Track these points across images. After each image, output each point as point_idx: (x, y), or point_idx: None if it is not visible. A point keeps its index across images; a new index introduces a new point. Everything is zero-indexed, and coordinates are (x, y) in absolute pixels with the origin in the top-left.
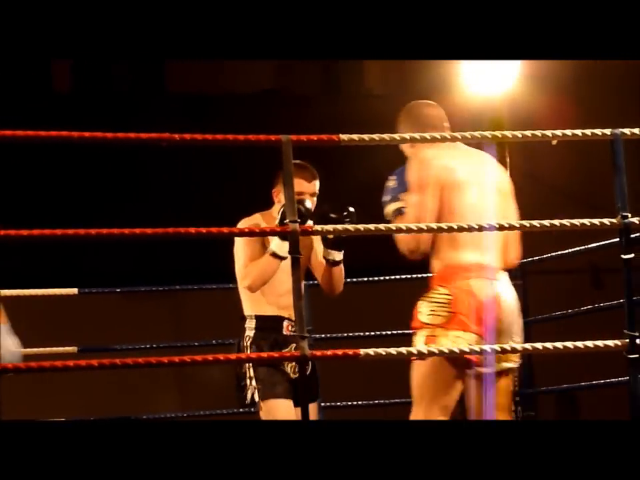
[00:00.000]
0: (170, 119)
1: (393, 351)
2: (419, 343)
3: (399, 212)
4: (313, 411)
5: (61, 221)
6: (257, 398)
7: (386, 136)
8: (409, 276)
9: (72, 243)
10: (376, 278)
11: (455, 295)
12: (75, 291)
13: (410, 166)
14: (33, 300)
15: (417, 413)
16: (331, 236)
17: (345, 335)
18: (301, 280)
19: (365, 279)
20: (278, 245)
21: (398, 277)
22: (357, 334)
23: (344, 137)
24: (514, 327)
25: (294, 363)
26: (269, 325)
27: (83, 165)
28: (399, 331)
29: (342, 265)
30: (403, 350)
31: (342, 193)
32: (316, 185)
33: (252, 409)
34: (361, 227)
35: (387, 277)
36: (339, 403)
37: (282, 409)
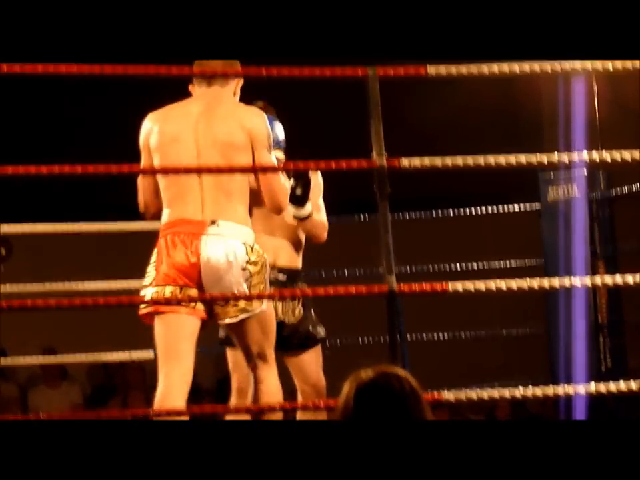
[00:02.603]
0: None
1: (481, 285)
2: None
3: None
4: (311, 357)
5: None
6: None
7: (474, 68)
8: (492, 208)
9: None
10: (460, 210)
11: (158, 251)
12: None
13: None
14: (123, 234)
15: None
16: (298, 192)
17: (429, 269)
18: (387, 215)
19: (450, 211)
20: (293, 212)
21: (481, 209)
22: (440, 267)
23: (431, 69)
24: (223, 282)
25: (294, 307)
26: (289, 276)
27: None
28: (483, 264)
29: (313, 217)
30: (492, 284)
31: (422, 124)
32: None
33: None
34: (448, 160)
35: (471, 210)
36: (423, 336)
37: None
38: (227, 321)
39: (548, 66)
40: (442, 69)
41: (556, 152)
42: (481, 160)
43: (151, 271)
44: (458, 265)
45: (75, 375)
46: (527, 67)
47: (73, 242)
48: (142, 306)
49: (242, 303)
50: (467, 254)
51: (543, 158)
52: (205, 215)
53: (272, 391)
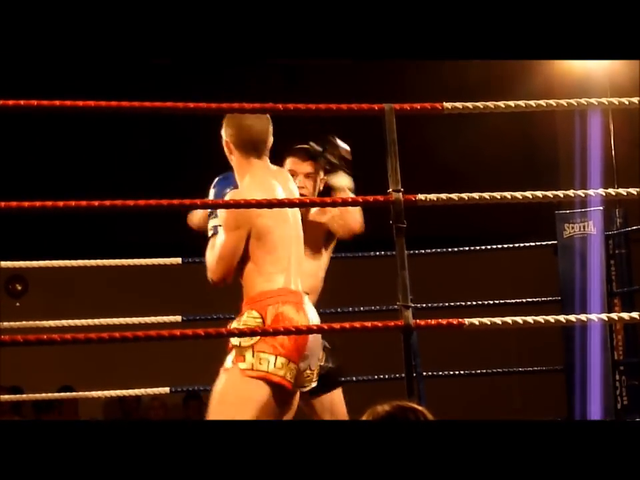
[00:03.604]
0: (265, 89)
1: (498, 320)
2: (228, 361)
3: (215, 231)
4: (341, 396)
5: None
6: None
7: (490, 104)
8: (508, 245)
9: (173, 214)
10: (476, 247)
11: (265, 318)
12: (178, 260)
13: (230, 194)
14: (138, 269)
15: None
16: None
17: (446, 304)
18: (403, 251)
19: (466, 248)
20: None
21: (498, 246)
22: (458, 303)
23: (447, 105)
24: (318, 350)
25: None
26: None
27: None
28: (501, 301)
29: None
30: (509, 320)
31: (439, 160)
32: (311, 165)
33: None
34: (465, 196)
35: (488, 247)
36: (440, 373)
37: None
38: (313, 385)
39: (564, 102)
40: (458, 105)
41: (572, 189)
42: (497, 195)
43: (252, 333)
44: (474, 301)
45: (91, 412)
46: (542, 103)
47: (87, 278)
48: (244, 365)
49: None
50: (484, 291)
51: (559, 194)
52: (298, 286)
53: None
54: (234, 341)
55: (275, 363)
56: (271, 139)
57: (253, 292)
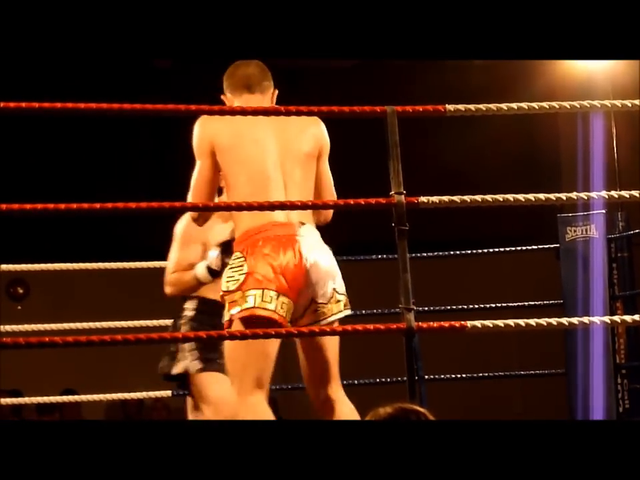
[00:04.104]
0: None
1: (500, 323)
2: (226, 313)
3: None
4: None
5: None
6: (191, 370)
7: (492, 106)
8: (510, 248)
9: (175, 217)
10: (479, 251)
11: (247, 255)
12: None
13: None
14: (140, 272)
15: (234, 390)
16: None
17: (448, 308)
18: (405, 253)
19: (468, 251)
20: (203, 275)
21: (500, 249)
22: (460, 307)
23: (450, 107)
24: (323, 281)
25: None
26: (212, 310)
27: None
28: (503, 304)
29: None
30: (511, 322)
31: (442, 163)
32: None
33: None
34: (467, 198)
35: (490, 250)
36: (442, 376)
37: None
38: (332, 318)
39: (567, 105)
40: (460, 107)
41: (574, 192)
42: (499, 198)
43: (235, 275)
44: (476, 304)
45: (93, 415)
46: (545, 105)
47: (89, 281)
48: (234, 310)
49: (343, 298)
50: (486, 294)
51: (561, 196)
52: (291, 217)
53: (354, 412)
54: (223, 287)
55: (262, 296)
56: (266, 82)
57: (240, 231)
